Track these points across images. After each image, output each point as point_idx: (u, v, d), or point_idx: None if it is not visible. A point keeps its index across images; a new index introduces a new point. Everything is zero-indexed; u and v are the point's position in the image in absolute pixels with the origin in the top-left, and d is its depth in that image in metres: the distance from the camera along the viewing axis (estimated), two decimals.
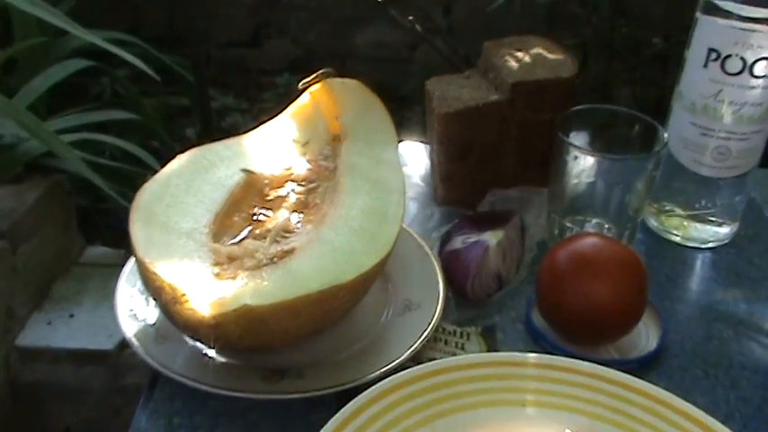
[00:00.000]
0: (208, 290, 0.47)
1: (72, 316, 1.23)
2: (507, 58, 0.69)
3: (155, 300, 0.49)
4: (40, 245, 1.26)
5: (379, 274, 0.54)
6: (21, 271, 1.21)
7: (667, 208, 0.70)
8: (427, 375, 0.48)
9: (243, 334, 0.47)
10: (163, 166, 0.57)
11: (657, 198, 0.70)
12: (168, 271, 0.47)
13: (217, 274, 0.49)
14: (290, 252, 0.52)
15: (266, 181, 0.59)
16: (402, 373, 0.47)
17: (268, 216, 0.57)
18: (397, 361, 0.51)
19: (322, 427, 0.43)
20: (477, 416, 0.47)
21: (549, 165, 0.65)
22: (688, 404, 0.46)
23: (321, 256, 0.50)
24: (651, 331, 0.59)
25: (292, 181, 0.60)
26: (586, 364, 0.49)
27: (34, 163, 1.28)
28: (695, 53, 0.64)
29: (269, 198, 0.59)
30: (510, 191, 0.70)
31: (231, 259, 0.51)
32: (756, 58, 0.60)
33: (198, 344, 0.52)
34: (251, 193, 0.58)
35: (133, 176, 1.36)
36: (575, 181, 0.64)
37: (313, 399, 0.50)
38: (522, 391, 0.48)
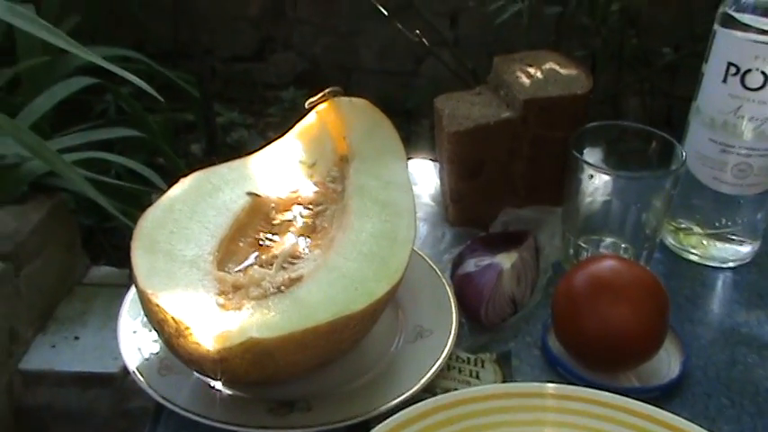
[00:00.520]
0: (212, 322, 0.45)
1: (77, 338, 1.21)
2: (519, 74, 0.67)
3: (157, 332, 0.48)
4: (44, 266, 1.25)
5: (390, 301, 0.52)
6: (24, 293, 1.20)
7: (684, 226, 0.68)
8: (442, 408, 0.46)
9: (249, 368, 0.45)
10: (168, 185, 0.56)
11: (675, 216, 0.68)
12: (171, 303, 0.46)
13: (222, 305, 0.47)
14: (297, 280, 0.50)
15: (272, 204, 0.58)
16: (416, 405, 0.45)
17: (274, 241, 0.56)
18: (410, 392, 0.49)
19: None
20: None
21: (562, 183, 0.63)
22: None
23: (330, 285, 0.49)
24: (672, 356, 0.57)
25: (299, 204, 0.59)
26: (607, 394, 0.47)
27: (38, 182, 1.27)
28: (713, 67, 0.62)
29: (275, 222, 0.57)
30: (523, 210, 0.68)
31: (236, 288, 0.49)
32: None
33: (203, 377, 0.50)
34: (257, 218, 0.57)
35: (138, 195, 1.35)
36: (589, 200, 0.62)
37: None
38: (542, 423, 0.47)
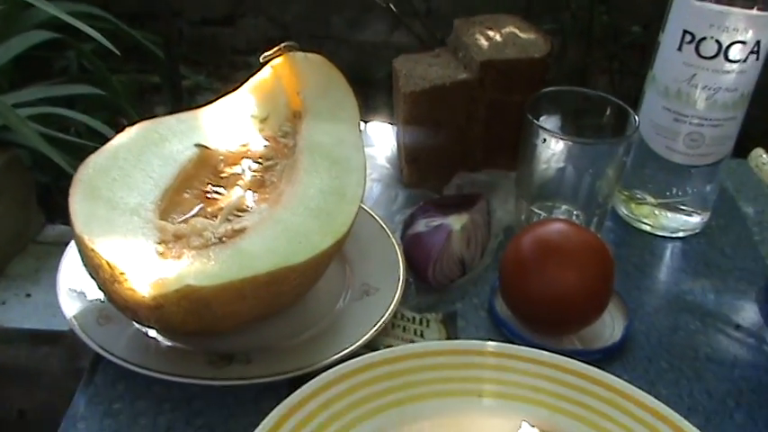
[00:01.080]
0: (149, 269, 0.44)
1: (29, 295, 1.19)
2: (477, 36, 0.66)
3: (93, 279, 0.47)
4: None
5: (334, 256, 0.52)
6: None
7: (638, 196, 0.68)
8: (380, 363, 0.45)
9: (186, 316, 0.44)
10: (115, 133, 0.54)
11: (628, 186, 0.68)
12: (108, 248, 0.45)
13: (161, 253, 0.46)
14: (240, 231, 0.49)
15: (221, 157, 0.57)
16: (353, 360, 0.45)
17: (221, 194, 0.55)
18: (351, 348, 0.49)
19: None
20: (430, 407, 0.45)
21: (517, 148, 0.63)
22: (649, 396, 0.45)
23: (273, 237, 0.48)
24: (616, 322, 0.57)
25: (249, 158, 0.57)
26: (546, 353, 0.48)
27: None
28: (669, 35, 0.62)
29: (223, 175, 0.56)
30: (478, 174, 0.68)
31: (178, 237, 0.48)
32: (732, 41, 0.58)
33: (142, 326, 0.50)
34: (204, 170, 0.56)
35: None
36: (543, 166, 0.62)
37: (261, 386, 0.47)
38: (479, 380, 0.46)
